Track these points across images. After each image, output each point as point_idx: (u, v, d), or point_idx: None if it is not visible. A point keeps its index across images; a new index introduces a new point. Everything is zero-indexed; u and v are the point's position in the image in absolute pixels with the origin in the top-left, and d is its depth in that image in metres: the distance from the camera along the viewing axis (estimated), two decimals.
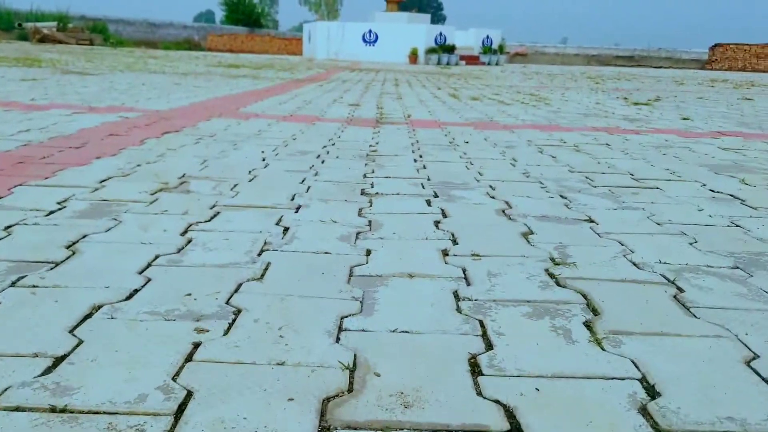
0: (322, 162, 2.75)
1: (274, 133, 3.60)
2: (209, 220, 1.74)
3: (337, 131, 3.82)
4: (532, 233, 1.72)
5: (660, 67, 32.53)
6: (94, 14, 34.09)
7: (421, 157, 2.99)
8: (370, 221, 1.80)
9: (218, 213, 1.82)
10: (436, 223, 1.80)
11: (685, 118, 5.51)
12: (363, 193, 2.17)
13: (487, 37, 29.41)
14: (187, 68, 12.31)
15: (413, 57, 25.96)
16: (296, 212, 1.87)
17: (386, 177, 2.47)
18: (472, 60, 27.02)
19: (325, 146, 3.20)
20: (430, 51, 26.37)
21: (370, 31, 28.31)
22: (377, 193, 2.17)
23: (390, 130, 4.01)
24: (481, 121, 4.75)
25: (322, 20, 50.36)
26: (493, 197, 2.17)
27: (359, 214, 1.87)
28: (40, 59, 12.87)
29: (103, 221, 1.69)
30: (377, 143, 3.40)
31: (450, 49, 26.71)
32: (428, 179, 2.45)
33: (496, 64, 27.49)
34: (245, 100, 5.68)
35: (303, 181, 2.32)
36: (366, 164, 2.75)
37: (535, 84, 11.75)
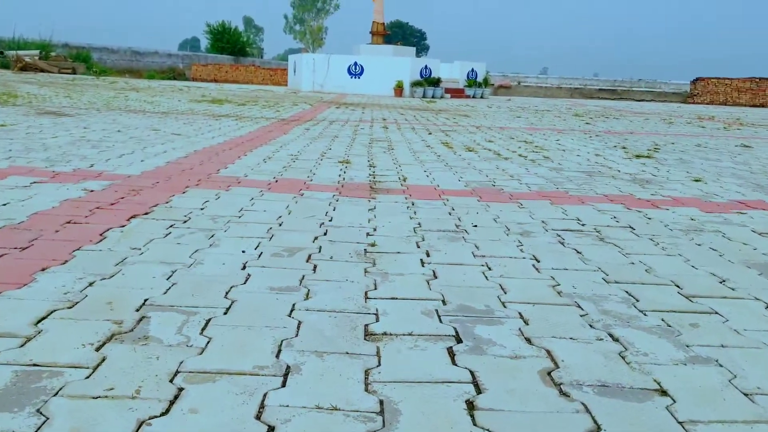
0: (314, 269, 2.32)
1: (258, 215, 3.17)
2: (166, 412, 1.30)
3: (329, 208, 3.40)
4: (599, 429, 1.30)
5: (642, 100, 32.74)
6: (78, 42, 33.64)
7: (428, 255, 2.58)
8: (381, 402, 1.37)
9: (180, 391, 1.38)
10: (470, 407, 1.37)
11: (696, 180, 5.18)
12: (367, 333, 1.75)
13: (472, 70, 29.40)
14: (169, 105, 11.91)
15: (399, 90, 25.81)
16: (284, 384, 1.44)
17: (392, 297, 2.05)
18: (457, 93, 26.91)
19: (316, 237, 2.78)
20: (416, 84, 26.25)
21: (355, 64, 28.18)
22: (384, 334, 1.75)
23: (387, 204, 3.60)
24: (483, 187, 4.37)
25: (307, 50, 50.43)
26: (528, 340, 1.75)
27: (366, 388, 1.44)
28: (17, 94, 12.40)
29: (23, 418, 1.24)
30: (375, 229, 2.98)
31: (435, 82, 26.62)
32: (443, 302, 2.03)
33: (482, 96, 27.41)
34: (226, 157, 5.26)
35: (292, 311, 1.89)
36: (366, 271, 2.32)
37: (525, 124, 11.49)
